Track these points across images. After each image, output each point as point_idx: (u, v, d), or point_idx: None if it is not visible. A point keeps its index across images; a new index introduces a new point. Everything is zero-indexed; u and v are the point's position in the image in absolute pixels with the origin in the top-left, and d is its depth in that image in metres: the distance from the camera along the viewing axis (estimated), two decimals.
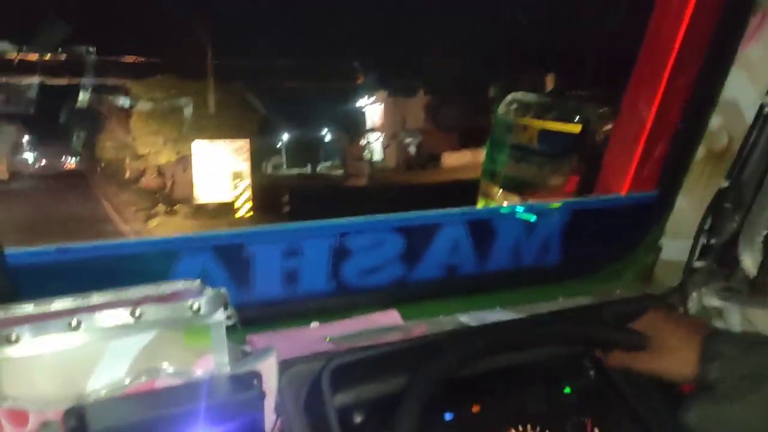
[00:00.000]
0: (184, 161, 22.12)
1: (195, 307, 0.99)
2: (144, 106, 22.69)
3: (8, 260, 1.15)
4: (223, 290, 1.05)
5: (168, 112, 22.47)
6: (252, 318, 1.48)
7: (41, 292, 1.15)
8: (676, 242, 1.82)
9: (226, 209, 20.32)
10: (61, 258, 1.30)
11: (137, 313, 0.95)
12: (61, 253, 1.30)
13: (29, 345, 0.87)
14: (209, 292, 1.04)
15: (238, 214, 19.94)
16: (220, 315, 1.03)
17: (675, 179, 1.81)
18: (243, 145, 21.66)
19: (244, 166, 21.35)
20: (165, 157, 23.48)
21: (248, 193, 20.63)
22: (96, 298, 1.06)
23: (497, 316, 1.63)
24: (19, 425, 0.88)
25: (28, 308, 1.01)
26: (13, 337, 0.86)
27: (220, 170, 20.80)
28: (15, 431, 0.88)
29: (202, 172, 20.97)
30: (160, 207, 20.68)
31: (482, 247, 1.82)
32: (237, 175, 20.75)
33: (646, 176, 2.06)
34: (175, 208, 20.70)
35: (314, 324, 1.57)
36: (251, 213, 19.99)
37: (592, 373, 1.39)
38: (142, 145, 23.83)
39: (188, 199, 21.21)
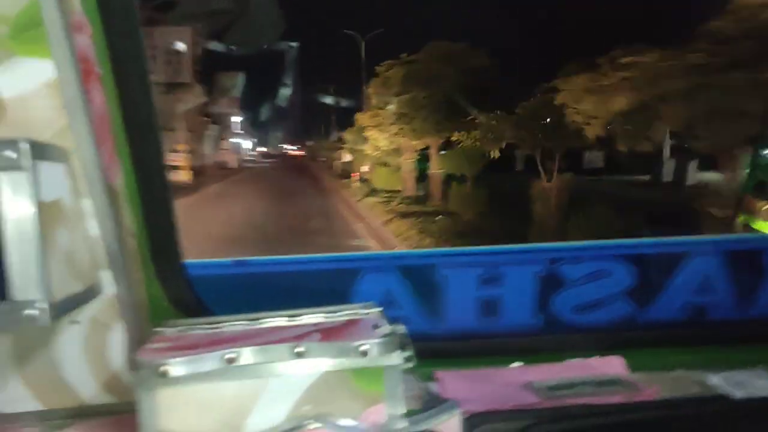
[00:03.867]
0: None
1: (365, 348, 0.88)
2: None
3: (189, 271, 1.16)
4: (401, 328, 0.93)
5: None
6: (441, 350, 1.35)
7: (219, 305, 1.15)
8: None
9: None
10: (239, 271, 1.31)
11: (300, 350, 0.87)
12: (238, 267, 1.30)
13: (184, 379, 0.84)
14: (385, 329, 0.93)
15: None
16: (397, 358, 0.91)
17: None
18: None
19: None
20: None
21: None
22: (268, 320, 1.02)
23: (764, 382, 1.29)
24: None
25: (201, 326, 1.00)
26: (168, 372, 0.82)
27: None
28: None
29: None
30: None
31: (743, 285, 1.46)
32: None
33: None
34: None
35: (515, 365, 1.39)
36: None
37: None
38: None
39: None
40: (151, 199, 1.14)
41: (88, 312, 1.06)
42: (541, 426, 1.02)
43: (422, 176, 18.71)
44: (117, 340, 1.10)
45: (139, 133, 1.11)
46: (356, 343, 0.88)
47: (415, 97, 16.55)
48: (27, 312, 0.83)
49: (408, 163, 19.21)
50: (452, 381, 1.30)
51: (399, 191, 19.11)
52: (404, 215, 14.59)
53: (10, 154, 0.82)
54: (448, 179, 16.49)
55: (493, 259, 1.41)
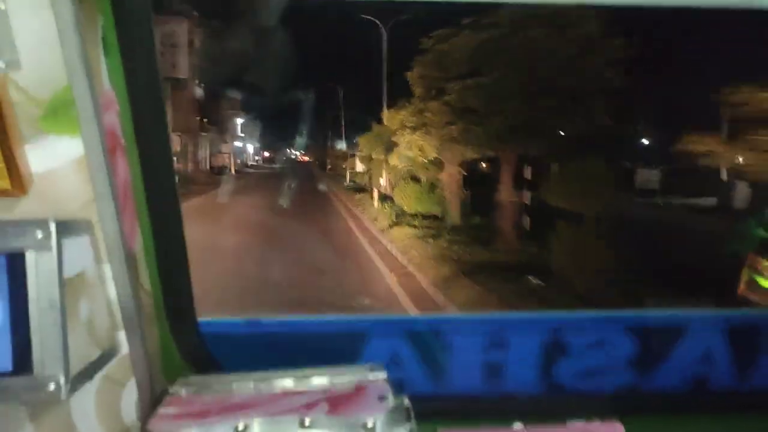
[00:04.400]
0: None
1: (371, 424, 0.91)
2: None
3: (202, 329, 1.20)
4: (405, 400, 0.96)
5: None
6: (445, 410, 1.38)
7: (229, 363, 1.18)
8: None
9: None
10: (251, 331, 1.35)
11: (307, 423, 0.90)
12: (251, 326, 1.34)
13: None
14: (390, 401, 0.96)
15: None
16: None
17: None
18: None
19: None
20: None
21: None
22: (277, 380, 1.06)
23: None
24: None
25: (212, 386, 1.04)
26: None
27: None
28: None
29: None
30: None
31: (745, 356, 1.49)
32: None
33: None
34: None
35: (517, 426, 1.41)
36: None
37: None
38: None
39: None
40: (169, 262, 1.18)
41: (102, 370, 1.09)
42: None
43: (481, 200, 13.13)
44: (130, 398, 1.13)
45: (159, 200, 1.15)
46: (362, 418, 0.91)
47: (494, 83, 10.18)
48: (47, 387, 0.86)
49: (453, 179, 13.48)
50: None
51: (436, 216, 13.88)
52: (471, 270, 8.79)
53: (37, 234, 0.86)
54: (526, 209, 11.47)
55: (498, 326, 1.44)
